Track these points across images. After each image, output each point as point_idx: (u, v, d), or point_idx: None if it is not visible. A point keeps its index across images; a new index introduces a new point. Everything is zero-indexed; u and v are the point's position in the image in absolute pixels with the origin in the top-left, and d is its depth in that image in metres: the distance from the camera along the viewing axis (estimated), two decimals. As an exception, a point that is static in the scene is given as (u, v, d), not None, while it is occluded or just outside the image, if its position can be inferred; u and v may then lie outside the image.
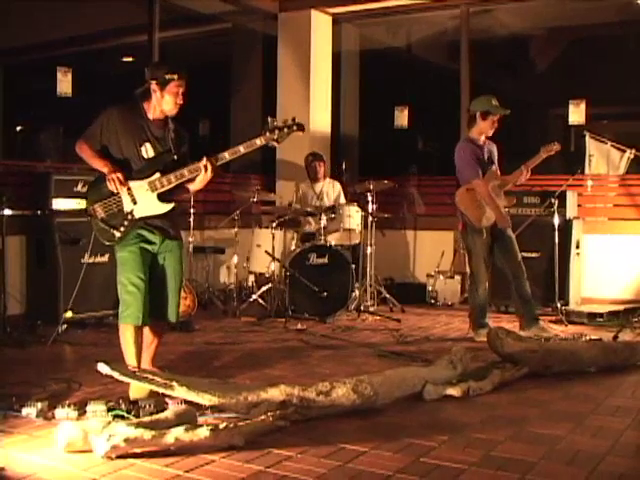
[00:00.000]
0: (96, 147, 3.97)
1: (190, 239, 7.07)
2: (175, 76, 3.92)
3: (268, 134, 3.95)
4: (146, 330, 4.04)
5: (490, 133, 5.81)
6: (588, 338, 5.48)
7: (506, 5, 8.40)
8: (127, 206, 3.93)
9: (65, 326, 5.68)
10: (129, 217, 3.93)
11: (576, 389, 4.27)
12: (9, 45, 8.29)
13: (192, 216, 6.97)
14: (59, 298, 5.83)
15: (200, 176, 3.96)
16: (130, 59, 9.88)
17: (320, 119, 8.71)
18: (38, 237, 6.08)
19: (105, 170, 3.90)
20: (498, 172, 5.86)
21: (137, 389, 3.78)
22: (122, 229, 3.92)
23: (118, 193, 3.92)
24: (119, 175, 3.86)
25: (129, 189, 3.92)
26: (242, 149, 3.96)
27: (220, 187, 8.20)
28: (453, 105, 8.42)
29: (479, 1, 8.32)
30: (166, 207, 3.99)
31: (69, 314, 5.51)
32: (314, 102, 8.63)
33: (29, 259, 6.16)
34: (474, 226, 5.69)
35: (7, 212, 5.64)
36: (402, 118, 8.93)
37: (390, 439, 3.32)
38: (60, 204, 5.98)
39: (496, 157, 5.93)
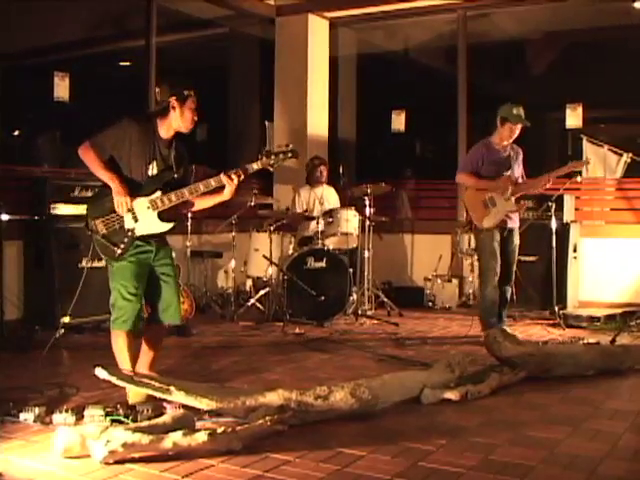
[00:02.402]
0: (104, 157, 3.93)
1: (187, 243, 7.07)
2: (192, 92, 4.02)
3: (265, 159, 4.10)
4: (147, 336, 4.08)
5: (508, 140, 5.81)
6: (586, 341, 5.50)
7: (503, 9, 8.42)
8: (128, 223, 3.95)
9: (63, 331, 5.67)
10: (130, 234, 3.95)
11: (574, 392, 4.28)
12: (6, 49, 8.28)
13: (189, 220, 6.97)
14: (57, 303, 5.81)
15: (227, 188, 4.04)
16: (127, 63, 9.89)
17: (317, 123, 8.71)
18: (36, 242, 6.07)
19: (113, 185, 3.89)
20: (512, 178, 5.80)
21: (135, 393, 3.77)
22: (122, 246, 3.94)
23: None
24: (127, 200, 3.88)
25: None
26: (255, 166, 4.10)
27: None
28: (450, 109, 8.43)
29: (476, 5, 8.34)
30: (166, 226, 4.03)
31: (67, 319, 5.49)
32: (311, 106, 8.64)
33: (27, 264, 6.15)
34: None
35: (4, 217, 5.64)
36: (399, 122, 8.94)
37: (388, 443, 3.32)
38: (57, 209, 5.98)
39: (520, 162, 5.92)
